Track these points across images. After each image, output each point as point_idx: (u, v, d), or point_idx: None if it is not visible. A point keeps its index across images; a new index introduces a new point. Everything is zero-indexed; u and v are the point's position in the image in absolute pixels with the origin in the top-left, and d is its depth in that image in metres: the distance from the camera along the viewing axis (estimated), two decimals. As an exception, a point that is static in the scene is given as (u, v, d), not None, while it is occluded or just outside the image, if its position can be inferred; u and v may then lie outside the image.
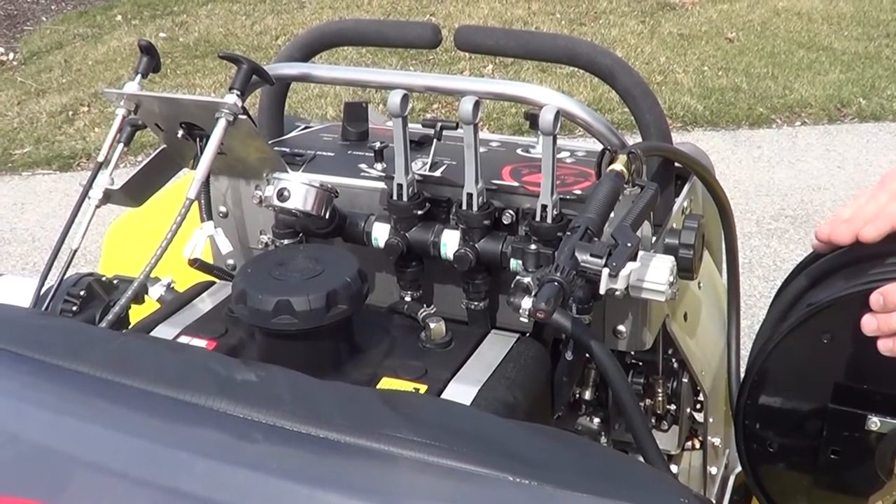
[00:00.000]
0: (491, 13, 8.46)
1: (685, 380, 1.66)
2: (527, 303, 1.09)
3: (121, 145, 1.42)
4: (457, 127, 1.42)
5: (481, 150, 1.32)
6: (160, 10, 9.17)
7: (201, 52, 7.90)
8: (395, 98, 1.30)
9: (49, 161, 6.18)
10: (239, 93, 1.34)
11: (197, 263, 1.42)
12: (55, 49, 8.39)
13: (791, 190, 5.31)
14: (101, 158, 1.41)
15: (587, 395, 1.50)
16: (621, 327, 1.38)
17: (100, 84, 7.27)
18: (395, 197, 1.35)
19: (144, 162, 1.54)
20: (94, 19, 9.16)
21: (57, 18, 9.44)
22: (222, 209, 1.50)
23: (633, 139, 1.43)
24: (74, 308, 1.39)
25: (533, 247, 1.29)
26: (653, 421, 1.68)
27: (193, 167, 1.40)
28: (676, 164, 1.46)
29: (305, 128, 1.71)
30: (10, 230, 5.32)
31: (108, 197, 1.43)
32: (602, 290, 1.11)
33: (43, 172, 6.09)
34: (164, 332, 1.34)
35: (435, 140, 1.44)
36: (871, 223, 1.24)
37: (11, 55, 8.41)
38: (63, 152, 6.26)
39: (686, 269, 1.33)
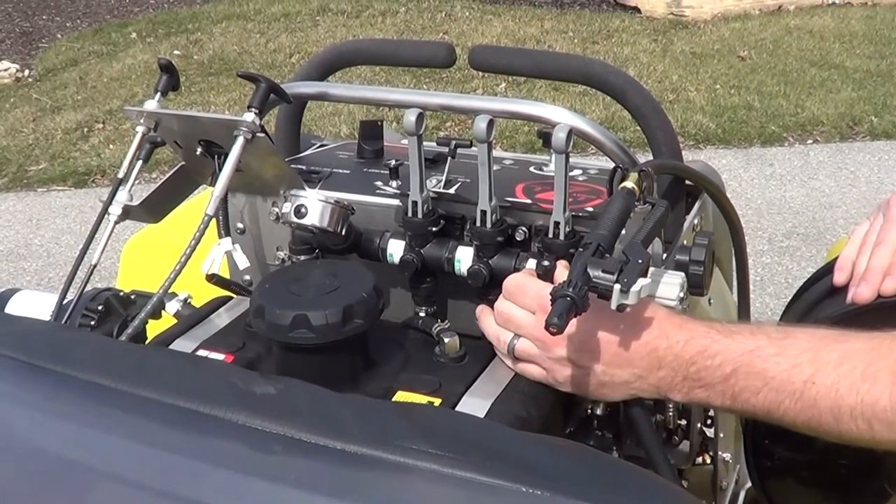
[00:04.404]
0: (504, 31, 8.48)
1: (696, 395, 1.66)
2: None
3: (140, 162, 1.44)
4: (471, 145, 1.44)
5: (495, 167, 1.34)
6: (175, 28, 9.21)
7: (216, 70, 7.93)
8: (410, 117, 1.32)
9: (64, 177, 6.21)
10: (257, 111, 1.35)
11: (214, 279, 1.44)
12: (70, 66, 8.42)
13: (803, 208, 5.31)
14: (120, 175, 1.43)
15: (599, 409, 1.51)
16: None
17: (115, 101, 7.30)
18: (410, 214, 1.37)
19: (163, 179, 1.55)
20: (108, 37, 9.20)
21: (72, 35, 9.48)
22: (240, 225, 1.52)
23: (644, 157, 1.45)
24: (92, 323, 1.40)
25: (546, 263, 1.31)
26: (664, 436, 1.69)
27: (211, 184, 1.41)
28: (687, 182, 1.47)
29: (321, 145, 1.73)
30: (25, 246, 5.35)
31: (128, 213, 1.45)
32: (613, 306, 1.12)
33: (58, 189, 6.12)
34: (182, 346, 1.35)
35: (449, 158, 1.46)
36: (890, 276, 1.28)
37: (27, 72, 8.46)
38: (78, 169, 6.29)
39: (696, 286, 1.34)
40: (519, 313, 1.24)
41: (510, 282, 1.26)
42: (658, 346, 1.18)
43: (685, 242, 1.42)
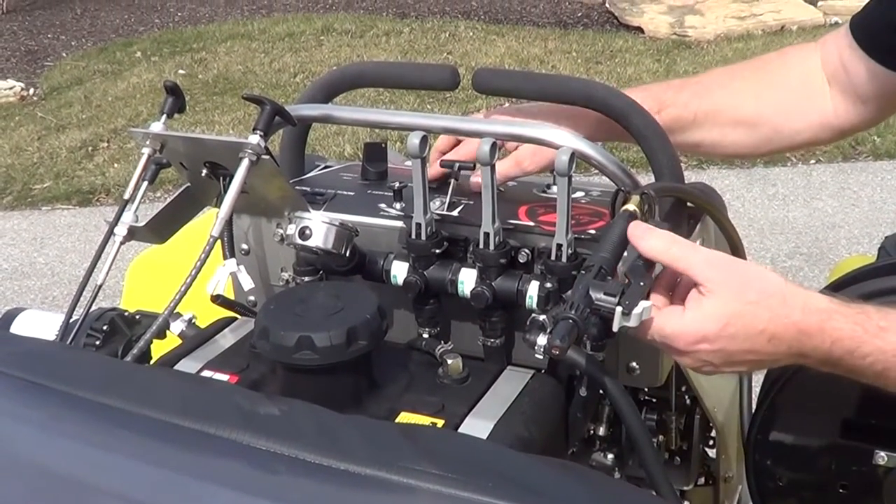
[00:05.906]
0: (508, 52, 8.49)
1: (698, 416, 1.67)
2: (542, 340, 1.11)
3: (146, 183, 1.45)
4: (474, 168, 1.45)
5: (498, 189, 1.34)
6: (179, 47, 9.22)
7: (220, 89, 7.94)
8: (414, 140, 1.33)
9: (69, 196, 6.23)
10: (262, 133, 1.36)
11: (219, 300, 1.45)
12: (75, 85, 8.43)
13: (806, 228, 5.32)
14: (126, 196, 1.44)
15: (601, 430, 1.52)
16: (634, 364, 1.39)
17: (119, 120, 7.31)
18: (413, 236, 1.37)
19: (169, 200, 1.56)
20: (113, 55, 9.21)
21: (77, 54, 9.50)
22: (244, 247, 1.53)
23: (647, 178, 1.46)
24: (97, 342, 1.41)
25: (548, 285, 1.31)
26: (666, 456, 1.69)
27: (216, 205, 1.42)
28: (689, 204, 1.48)
29: (326, 167, 1.74)
30: (29, 264, 5.36)
31: (133, 234, 1.45)
32: (615, 328, 1.13)
33: (62, 207, 6.13)
34: (186, 366, 1.36)
35: (453, 180, 1.47)
36: None
37: (32, 90, 8.47)
38: (82, 187, 6.30)
39: (698, 307, 1.35)
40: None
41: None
42: (802, 349, 1.19)
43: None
